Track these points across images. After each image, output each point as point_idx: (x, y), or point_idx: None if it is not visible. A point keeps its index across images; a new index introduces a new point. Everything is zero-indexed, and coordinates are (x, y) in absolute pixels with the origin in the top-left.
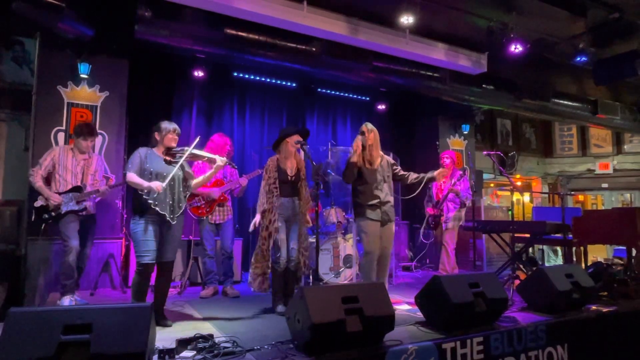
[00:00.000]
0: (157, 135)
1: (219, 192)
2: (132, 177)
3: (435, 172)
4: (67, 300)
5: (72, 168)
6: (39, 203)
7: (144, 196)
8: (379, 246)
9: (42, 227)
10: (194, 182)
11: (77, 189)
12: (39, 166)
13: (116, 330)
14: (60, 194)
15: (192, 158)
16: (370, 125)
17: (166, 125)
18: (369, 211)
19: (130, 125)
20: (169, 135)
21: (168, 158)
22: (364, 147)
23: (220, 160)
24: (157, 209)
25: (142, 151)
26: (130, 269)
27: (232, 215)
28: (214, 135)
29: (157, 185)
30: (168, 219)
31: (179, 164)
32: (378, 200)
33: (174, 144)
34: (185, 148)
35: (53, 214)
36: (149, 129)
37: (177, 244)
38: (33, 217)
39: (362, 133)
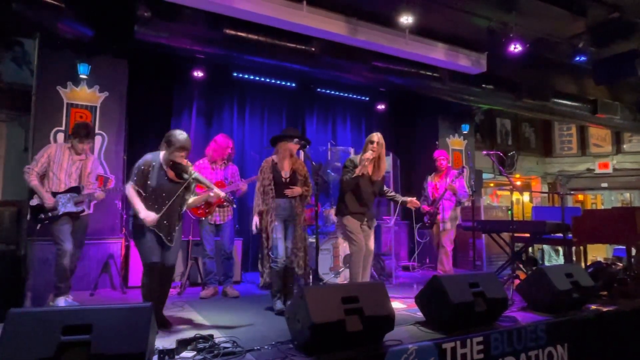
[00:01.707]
0: (165, 147)
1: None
2: (132, 195)
3: (408, 200)
4: (62, 301)
5: (67, 167)
6: (34, 202)
7: (138, 222)
8: (364, 243)
9: (38, 227)
10: (189, 201)
11: (75, 190)
12: (35, 163)
13: (116, 331)
14: (56, 194)
15: (194, 182)
16: (380, 138)
17: (177, 139)
18: (353, 213)
19: (129, 126)
20: (176, 152)
21: (170, 175)
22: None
23: (215, 194)
24: (155, 229)
25: (148, 159)
26: (130, 269)
27: (233, 216)
28: (218, 136)
29: (151, 219)
30: (165, 240)
31: (182, 187)
32: (366, 208)
33: (180, 161)
34: (191, 171)
35: (50, 214)
36: (148, 129)
37: (177, 248)
38: (29, 217)
39: (372, 142)
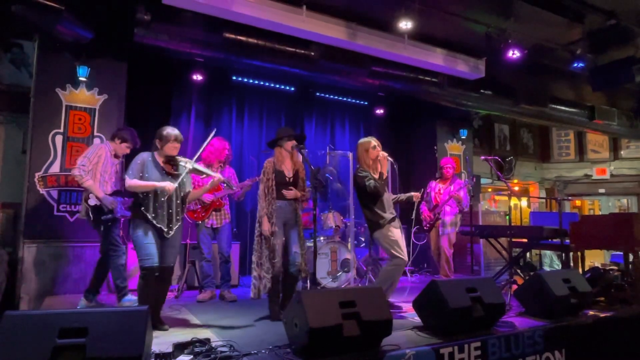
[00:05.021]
0: (158, 143)
1: (210, 197)
2: (135, 182)
3: (412, 194)
4: (131, 298)
5: (110, 169)
6: (92, 202)
7: (142, 209)
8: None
9: (102, 229)
10: (190, 195)
11: (118, 193)
12: (88, 161)
13: (112, 334)
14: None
15: (192, 172)
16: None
17: (168, 132)
18: (391, 220)
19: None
20: (169, 144)
21: (167, 168)
22: (375, 160)
23: (217, 177)
24: (154, 222)
25: (143, 156)
26: (128, 272)
27: (230, 219)
28: (213, 140)
29: (169, 185)
30: (164, 231)
31: (180, 178)
32: (393, 209)
33: (175, 153)
34: (187, 161)
35: (110, 216)
36: (147, 132)
37: (177, 249)
38: (92, 217)
39: (374, 147)
